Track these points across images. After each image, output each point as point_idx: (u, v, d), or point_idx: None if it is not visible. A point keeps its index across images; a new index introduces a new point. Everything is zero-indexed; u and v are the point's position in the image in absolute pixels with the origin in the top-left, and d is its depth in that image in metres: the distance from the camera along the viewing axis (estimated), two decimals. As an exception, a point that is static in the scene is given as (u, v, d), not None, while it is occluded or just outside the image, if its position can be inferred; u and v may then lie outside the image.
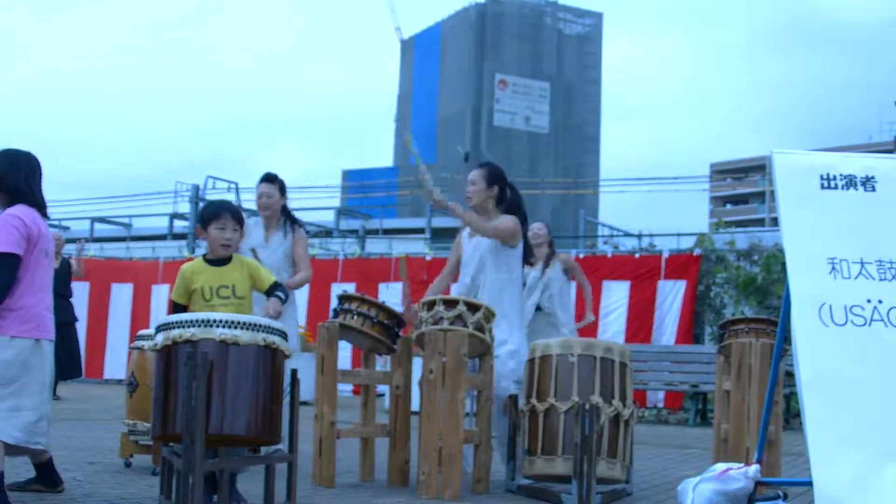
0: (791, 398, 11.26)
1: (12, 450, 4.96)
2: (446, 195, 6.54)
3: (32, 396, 4.93)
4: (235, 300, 4.98)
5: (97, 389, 15.29)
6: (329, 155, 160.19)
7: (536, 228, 9.20)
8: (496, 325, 6.11)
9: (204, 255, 5.13)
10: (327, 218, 31.96)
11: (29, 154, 5.27)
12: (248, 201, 26.16)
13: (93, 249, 19.77)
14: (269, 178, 7.03)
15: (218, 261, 5.05)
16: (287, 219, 7.07)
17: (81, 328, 15.26)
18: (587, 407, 5.30)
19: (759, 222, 59.02)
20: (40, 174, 5.25)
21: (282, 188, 7.03)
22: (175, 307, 5.00)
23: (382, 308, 6.17)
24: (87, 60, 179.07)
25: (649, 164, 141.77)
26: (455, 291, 6.64)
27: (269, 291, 5.08)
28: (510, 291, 6.46)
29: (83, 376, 13.69)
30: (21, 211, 5.02)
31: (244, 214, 5.36)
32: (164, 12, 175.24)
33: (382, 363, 7.29)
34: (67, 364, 12.11)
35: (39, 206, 5.17)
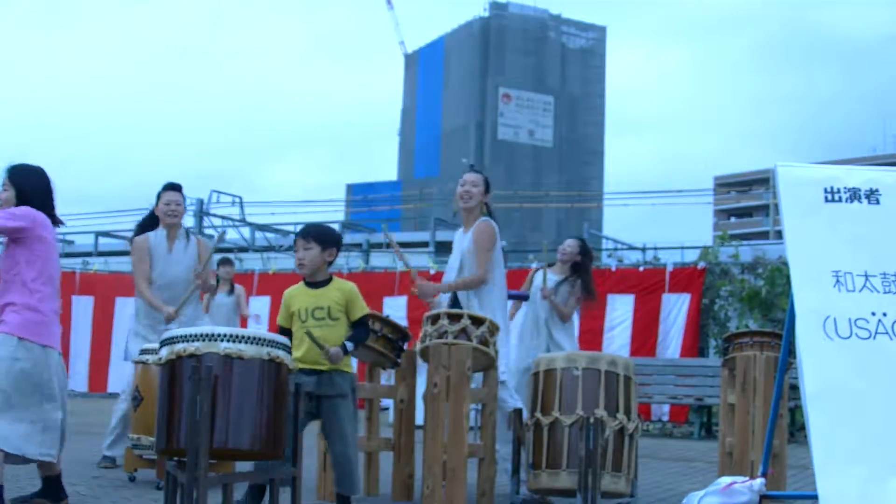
0: (796, 411, 11.22)
1: (11, 459, 4.96)
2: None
3: (38, 405, 4.95)
4: (330, 321, 5.06)
5: (101, 403, 15.28)
6: (333, 169, 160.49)
7: (567, 246, 8.72)
8: None
9: (305, 279, 5.21)
10: (331, 232, 31.94)
11: (43, 170, 5.33)
12: (252, 215, 26.23)
13: (97, 264, 19.80)
14: (177, 187, 7.24)
15: (316, 283, 5.15)
16: (184, 229, 7.41)
17: (86, 342, 15.30)
18: (592, 420, 5.28)
19: (764, 235, 58.89)
20: (53, 190, 5.32)
21: (184, 198, 7.32)
22: (281, 331, 5.10)
23: (387, 322, 6.16)
24: (92, 74, 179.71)
25: (653, 178, 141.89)
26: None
27: (354, 326, 5.16)
28: (490, 295, 6.49)
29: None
30: (38, 213, 5.08)
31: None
32: (168, 27, 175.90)
33: (387, 377, 7.29)
34: None
35: (56, 221, 5.26)
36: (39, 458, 4.96)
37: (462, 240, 6.60)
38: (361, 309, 5.18)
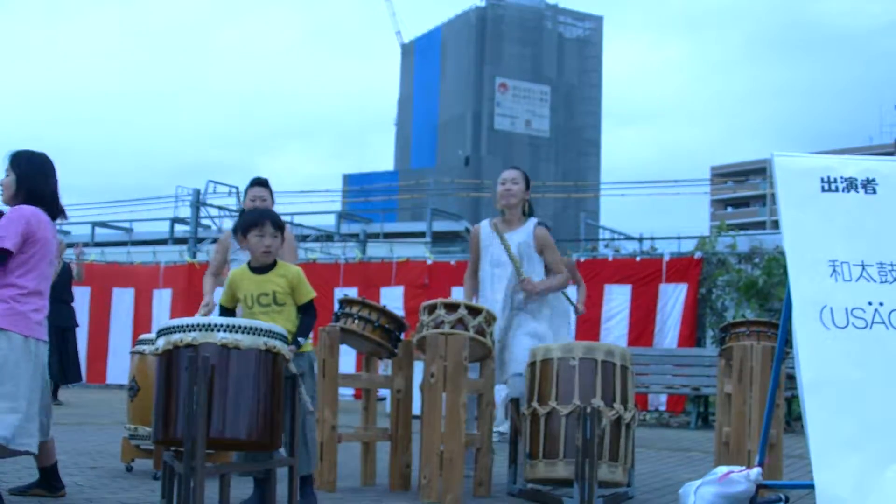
0: (792, 401, 11.25)
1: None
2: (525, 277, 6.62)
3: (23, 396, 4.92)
4: (276, 307, 4.95)
5: (99, 394, 15.29)
6: (330, 159, 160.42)
7: None
8: (540, 319, 6.51)
9: (248, 263, 5.09)
10: (328, 222, 31.94)
11: (46, 156, 5.30)
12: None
13: (94, 254, 19.77)
14: (262, 182, 7.01)
15: (260, 268, 5.02)
16: None
17: (83, 333, 15.30)
18: (588, 410, 5.29)
19: (760, 225, 59.00)
20: (56, 176, 5.29)
21: (271, 193, 7.03)
22: (222, 311, 5.03)
23: (383, 312, 6.16)
24: (89, 65, 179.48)
25: (650, 168, 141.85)
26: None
27: (301, 310, 5.01)
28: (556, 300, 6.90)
29: (83, 381, 13.70)
30: (31, 213, 5.04)
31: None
32: (166, 18, 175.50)
33: (384, 367, 7.29)
34: (67, 368, 12.11)
35: (58, 211, 5.21)
36: (17, 448, 4.93)
37: (511, 237, 6.61)
38: (307, 293, 5.01)
